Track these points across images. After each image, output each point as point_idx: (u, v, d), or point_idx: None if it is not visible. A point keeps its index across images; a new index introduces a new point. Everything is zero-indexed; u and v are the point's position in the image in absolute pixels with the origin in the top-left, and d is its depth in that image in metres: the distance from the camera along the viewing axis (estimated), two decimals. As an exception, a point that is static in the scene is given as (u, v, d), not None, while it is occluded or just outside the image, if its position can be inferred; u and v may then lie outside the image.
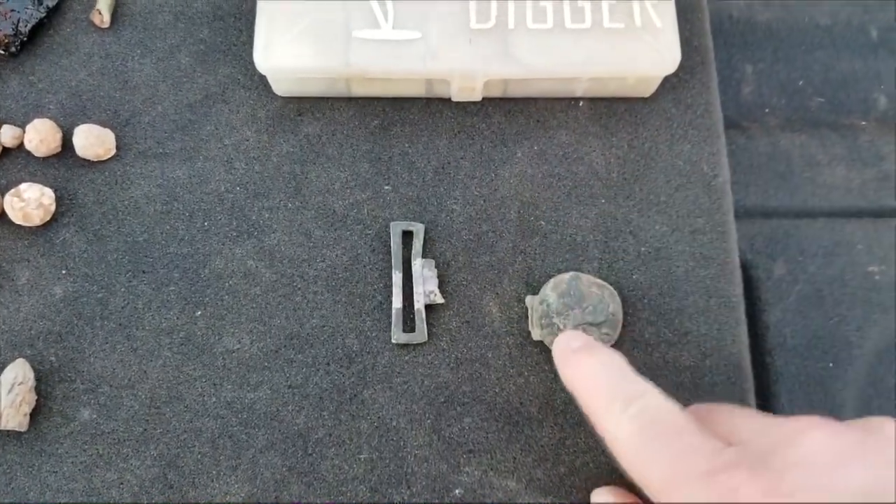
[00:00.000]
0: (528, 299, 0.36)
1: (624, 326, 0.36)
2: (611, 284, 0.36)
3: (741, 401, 0.35)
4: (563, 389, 0.35)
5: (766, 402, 0.42)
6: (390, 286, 0.37)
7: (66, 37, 0.40)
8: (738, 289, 0.37)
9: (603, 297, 0.35)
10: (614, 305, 0.35)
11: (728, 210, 0.38)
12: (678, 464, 0.25)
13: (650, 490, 0.26)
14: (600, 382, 0.29)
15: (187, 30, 0.40)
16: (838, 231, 0.43)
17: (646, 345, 0.36)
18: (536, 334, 0.35)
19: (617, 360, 0.30)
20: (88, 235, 0.37)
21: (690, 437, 0.26)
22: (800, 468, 0.23)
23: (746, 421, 0.27)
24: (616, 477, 0.34)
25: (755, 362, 0.37)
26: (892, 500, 0.22)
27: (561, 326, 0.35)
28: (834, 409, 0.41)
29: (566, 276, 0.36)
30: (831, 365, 0.42)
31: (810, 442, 0.24)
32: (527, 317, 0.36)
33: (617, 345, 0.36)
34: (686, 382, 0.36)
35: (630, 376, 0.29)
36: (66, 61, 0.40)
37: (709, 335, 0.36)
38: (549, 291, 0.35)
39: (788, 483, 0.23)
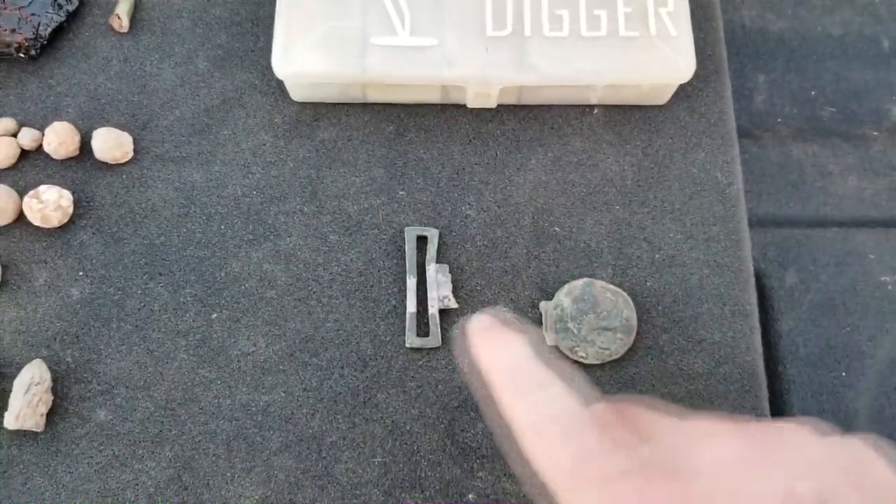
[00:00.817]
0: (543, 305, 0.36)
1: (638, 333, 0.36)
2: (625, 291, 0.36)
3: (755, 409, 0.35)
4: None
5: (779, 410, 0.42)
6: (404, 291, 0.37)
7: (85, 41, 0.41)
8: (753, 297, 0.37)
9: (617, 302, 0.35)
10: (628, 311, 0.35)
11: (742, 218, 0.38)
12: (580, 456, 0.24)
13: (548, 480, 0.25)
14: (506, 364, 0.27)
15: (205, 35, 0.41)
16: (850, 241, 0.44)
17: (660, 351, 0.36)
18: (551, 339, 0.36)
19: (528, 343, 0.28)
20: (106, 238, 0.37)
21: (587, 435, 0.25)
22: (697, 473, 0.23)
23: (655, 420, 0.26)
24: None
25: (767, 371, 0.37)
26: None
27: (575, 331, 0.35)
28: (846, 418, 0.41)
29: (580, 281, 0.36)
30: (844, 374, 0.42)
31: (710, 446, 0.24)
32: (541, 322, 0.36)
33: (631, 351, 0.36)
34: (700, 390, 0.36)
35: (538, 359, 0.27)
36: (85, 65, 0.40)
37: (723, 343, 0.36)
38: (564, 297, 0.36)
39: (701, 487, 0.23)
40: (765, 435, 0.24)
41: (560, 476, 0.24)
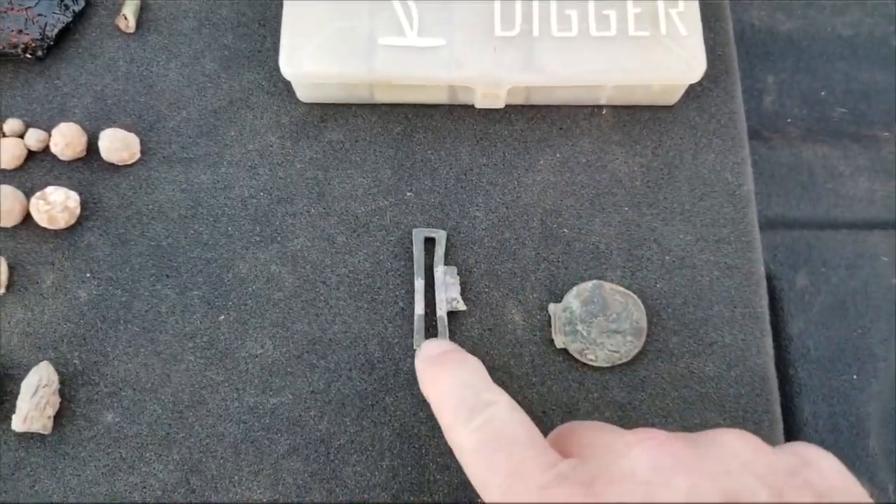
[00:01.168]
0: (552, 307, 0.36)
1: (648, 336, 0.36)
2: (634, 293, 0.36)
3: (766, 412, 0.35)
4: (587, 399, 0.35)
5: (790, 414, 0.41)
6: (412, 292, 0.36)
7: (91, 41, 0.41)
8: (764, 299, 0.37)
9: (627, 305, 0.35)
10: (638, 314, 0.35)
11: (753, 220, 0.38)
12: (514, 477, 0.25)
13: (491, 501, 0.26)
14: (450, 393, 0.28)
15: (212, 35, 0.41)
16: (861, 242, 0.43)
17: (670, 354, 0.36)
18: (560, 342, 0.35)
19: (471, 370, 0.29)
20: (113, 239, 0.37)
21: (529, 450, 0.26)
22: (622, 482, 0.23)
23: (594, 435, 0.27)
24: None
25: (778, 374, 0.37)
26: None
27: (585, 334, 0.35)
28: (858, 422, 0.41)
29: (589, 283, 0.36)
30: (855, 377, 0.41)
31: (635, 456, 0.24)
32: (549, 324, 0.36)
33: (641, 354, 0.36)
34: (710, 393, 0.35)
35: (481, 387, 0.28)
36: (92, 66, 0.40)
37: (733, 346, 0.36)
38: (573, 299, 0.35)
39: (608, 497, 0.23)
40: (685, 442, 0.24)
41: (498, 491, 0.25)
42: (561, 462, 0.25)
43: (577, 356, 0.35)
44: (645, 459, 0.24)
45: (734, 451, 0.24)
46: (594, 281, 0.36)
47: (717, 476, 0.23)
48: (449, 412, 0.28)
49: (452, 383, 0.29)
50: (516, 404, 0.28)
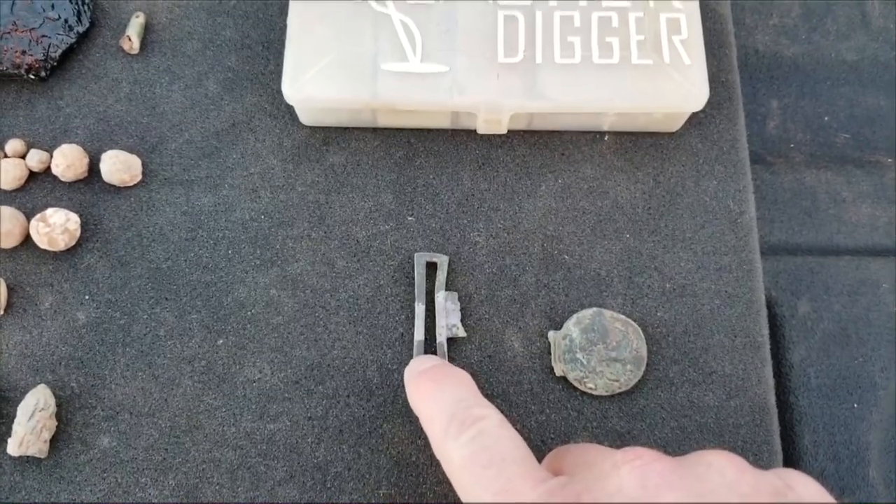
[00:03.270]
0: (551, 335, 0.36)
1: (648, 365, 0.35)
2: (635, 321, 0.36)
3: (766, 442, 0.35)
4: (586, 428, 0.35)
5: (790, 442, 0.41)
6: (412, 318, 0.36)
7: (95, 62, 0.41)
8: (764, 329, 0.36)
9: (627, 333, 0.35)
10: (638, 342, 0.35)
11: (754, 248, 0.38)
12: (502, 493, 0.25)
13: None
14: (440, 406, 0.29)
15: (215, 57, 0.41)
16: (864, 269, 0.43)
17: (670, 384, 0.35)
18: (559, 370, 0.35)
19: (462, 384, 0.29)
20: (112, 261, 0.37)
21: (518, 466, 0.26)
22: (609, 500, 0.24)
23: (584, 454, 0.28)
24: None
25: (778, 402, 0.37)
26: None
27: (584, 362, 0.35)
28: (858, 451, 0.41)
29: (589, 311, 0.36)
30: (856, 405, 0.41)
31: (623, 475, 0.24)
32: (549, 352, 0.36)
33: (641, 383, 0.35)
34: (710, 423, 0.35)
35: (470, 402, 0.28)
36: (95, 86, 0.40)
37: (734, 375, 0.36)
38: (573, 326, 0.35)
39: None
40: (673, 463, 0.24)
41: None
42: (550, 479, 0.25)
43: (576, 384, 0.35)
44: (633, 478, 0.24)
45: (720, 471, 0.24)
46: (594, 308, 0.36)
47: (704, 495, 0.23)
48: (438, 426, 0.28)
49: (442, 397, 0.29)
50: (506, 420, 0.28)
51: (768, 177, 0.45)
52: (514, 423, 0.35)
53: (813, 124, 0.46)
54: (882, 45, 0.47)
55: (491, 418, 0.28)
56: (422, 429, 0.34)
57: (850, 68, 0.47)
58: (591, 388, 0.35)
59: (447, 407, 0.28)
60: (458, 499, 0.34)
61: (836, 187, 0.45)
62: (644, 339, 0.35)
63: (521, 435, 0.35)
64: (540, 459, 0.34)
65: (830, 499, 0.25)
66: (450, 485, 0.34)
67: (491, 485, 0.26)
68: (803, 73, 0.47)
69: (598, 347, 0.35)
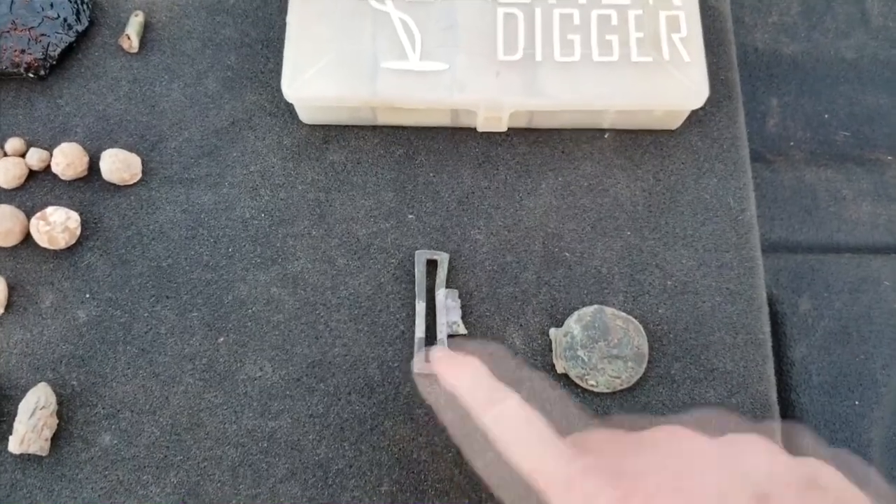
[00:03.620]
0: (552, 332, 0.36)
1: (649, 361, 0.35)
2: (636, 318, 0.36)
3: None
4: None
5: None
6: (413, 315, 0.36)
7: (94, 61, 0.41)
8: (766, 326, 0.36)
9: (628, 330, 0.35)
10: (640, 339, 0.35)
11: (755, 245, 0.38)
12: (539, 469, 0.25)
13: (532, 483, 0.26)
14: (475, 381, 0.29)
15: (215, 56, 0.41)
16: (864, 267, 0.43)
17: (672, 381, 0.35)
18: (560, 367, 0.35)
19: (480, 369, 0.30)
20: (113, 259, 0.37)
21: (546, 445, 0.26)
22: (653, 474, 0.24)
23: (603, 434, 0.28)
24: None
25: (780, 399, 0.37)
26: None
27: (585, 359, 0.35)
28: (859, 448, 0.41)
29: (590, 308, 0.36)
30: (857, 403, 0.41)
31: (665, 451, 0.25)
32: (550, 349, 0.36)
33: (642, 380, 0.35)
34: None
35: (491, 384, 0.29)
36: (95, 85, 0.40)
37: (735, 372, 0.36)
38: (574, 324, 0.35)
39: (643, 487, 0.23)
40: (712, 442, 0.25)
41: (528, 477, 0.26)
42: (582, 457, 0.25)
43: (577, 381, 0.35)
44: (676, 454, 0.24)
45: (758, 453, 0.24)
46: (595, 306, 0.36)
47: (746, 476, 0.23)
48: (476, 399, 0.28)
49: (475, 374, 0.29)
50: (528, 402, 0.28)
51: (768, 175, 0.45)
52: (515, 420, 0.35)
53: (813, 122, 0.46)
54: (882, 43, 0.47)
55: (513, 398, 0.28)
56: (423, 426, 0.35)
57: (850, 66, 0.47)
58: (592, 385, 0.35)
59: (473, 384, 0.29)
60: (459, 497, 0.34)
61: (837, 185, 0.45)
62: (645, 336, 0.35)
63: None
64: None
65: (857, 490, 0.25)
66: (451, 482, 0.34)
67: (527, 462, 0.26)
68: (803, 71, 0.47)
69: (599, 345, 0.35)
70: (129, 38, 0.40)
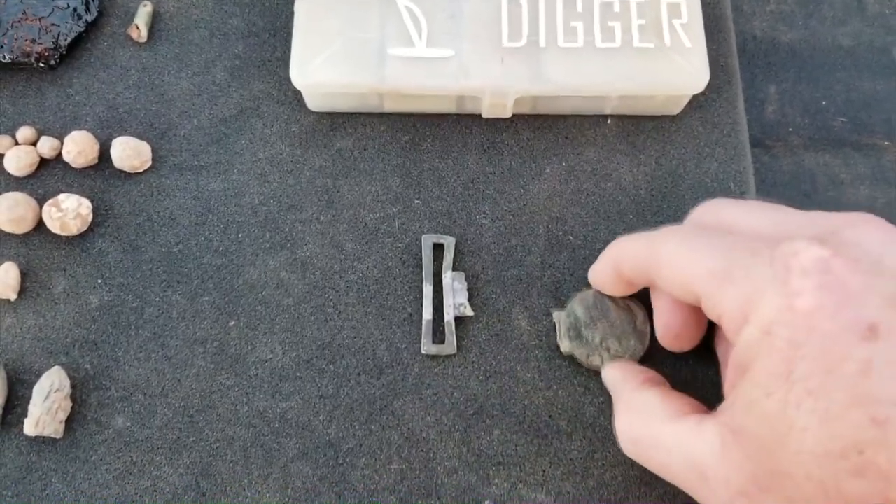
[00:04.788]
0: (555, 314, 0.36)
1: (653, 340, 0.36)
2: (640, 299, 0.37)
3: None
4: (593, 403, 0.35)
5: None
6: (420, 298, 0.37)
7: (104, 51, 0.41)
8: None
9: (629, 308, 0.36)
10: (642, 317, 0.36)
11: (755, 227, 0.38)
12: (730, 251, 0.26)
13: (700, 283, 0.27)
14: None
15: (222, 45, 0.41)
16: (862, 250, 0.44)
17: (675, 359, 0.36)
18: (566, 346, 0.36)
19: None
20: (124, 245, 0.38)
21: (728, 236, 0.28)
22: (854, 245, 0.24)
23: (782, 214, 0.29)
24: (645, 491, 0.34)
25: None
26: None
27: (589, 339, 0.35)
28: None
29: (592, 290, 0.36)
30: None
31: (862, 231, 0.25)
32: (555, 330, 0.36)
33: (646, 358, 0.36)
34: (714, 399, 0.36)
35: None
36: (104, 74, 0.41)
37: (737, 351, 0.36)
38: (576, 305, 0.36)
39: (845, 253, 0.24)
40: None
41: (712, 266, 0.27)
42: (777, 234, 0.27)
43: (582, 361, 0.36)
44: (872, 234, 0.25)
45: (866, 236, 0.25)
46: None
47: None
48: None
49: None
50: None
51: (767, 160, 0.46)
52: (521, 399, 0.35)
53: (811, 108, 0.47)
54: (877, 30, 0.48)
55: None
56: (432, 405, 0.35)
57: (847, 53, 0.48)
58: (597, 365, 0.35)
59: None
60: (471, 479, 0.35)
61: (835, 170, 0.45)
62: (646, 314, 0.36)
63: (529, 411, 0.36)
64: (551, 444, 0.35)
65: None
66: (460, 459, 0.34)
67: (713, 252, 0.27)
68: (801, 58, 0.48)
69: (601, 324, 0.35)
70: (137, 28, 0.41)
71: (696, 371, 0.36)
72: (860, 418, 0.22)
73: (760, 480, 0.25)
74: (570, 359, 0.36)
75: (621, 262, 0.32)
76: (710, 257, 0.27)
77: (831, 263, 0.24)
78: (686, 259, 0.28)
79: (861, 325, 0.23)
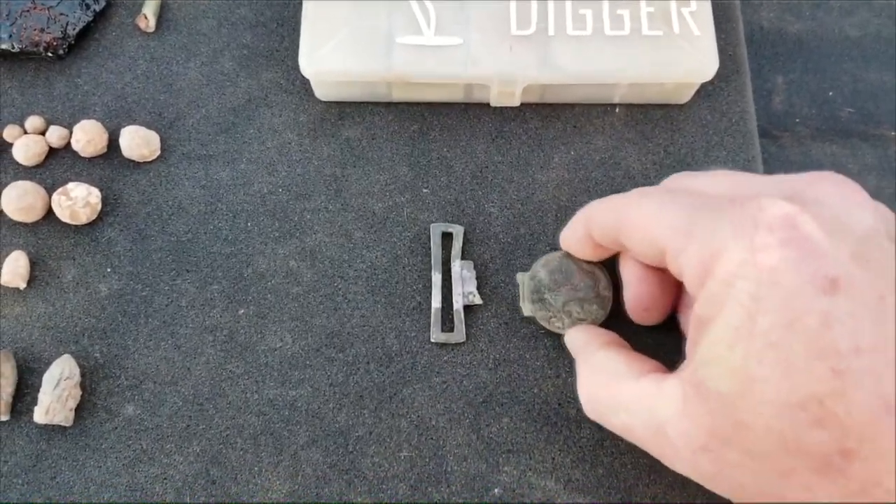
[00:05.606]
0: (519, 276, 0.36)
1: (615, 306, 0.35)
2: (605, 268, 0.36)
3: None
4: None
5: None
6: (429, 287, 0.37)
7: (112, 40, 0.41)
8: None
9: (594, 273, 0.36)
10: (605, 283, 0.36)
11: (764, 216, 0.38)
12: (696, 208, 0.27)
13: (665, 239, 0.28)
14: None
15: (231, 35, 0.41)
16: (870, 239, 0.44)
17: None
18: (528, 309, 0.36)
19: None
20: (133, 234, 0.38)
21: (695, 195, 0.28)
22: (817, 203, 0.25)
23: (746, 178, 0.30)
24: (654, 478, 0.34)
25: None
26: (884, 241, 0.25)
27: (552, 302, 0.35)
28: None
29: (557, 253, 0.36)
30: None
31: (822, 188, 0.26)
32: (518, 292, 0.36)
33: (607, 323, 0.35)
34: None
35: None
36: (112, 64, 0.41)
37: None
38: (540, 268, 0.36)
39: (809, 210, 0.24)
40: (863, 191, 0.27)
41: (675, 224, 0.28)
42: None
43: (543, 324, 0.35)
44: (833, 192, 0.26)
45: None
46: (562, 251, 0.36)
47: (887, 221, 0.25)
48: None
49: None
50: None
51: (775, 150, 0.46)
52: (530, 387, 0.36)
53: (818, 99, 0.47)
54: (885, 20, 0.48)
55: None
56: (441, 393, 0.35)
57: (854, 44, 0.48)
58: (558, 328, 0.35)
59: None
60: (481, 467, 0.34)
61: (842, 160, 0.45)
62: (610, 280, 0.36)
63: (538, 399, 0.36)
64: (560, 432, 0.35)
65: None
66: (469, 447, 0.34)
67: (676, 212, 0.28)
68: (808, 49, 0.48)
69: (564, 288, 0.35)
70: (146, 17, 0.41)
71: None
72: (820, 370, 0.23)
73: (721, 434, 0.25)
74: (532, 321, 0.36)
75: (591, 223, 0.33)
76: (675, 214, 0.28)
77: (797, 220, 0.24)
78: (653, 216, 0.29)
79: (822, 280, 0.23)
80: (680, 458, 0.27)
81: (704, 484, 0.28)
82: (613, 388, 0.30)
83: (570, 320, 0.35)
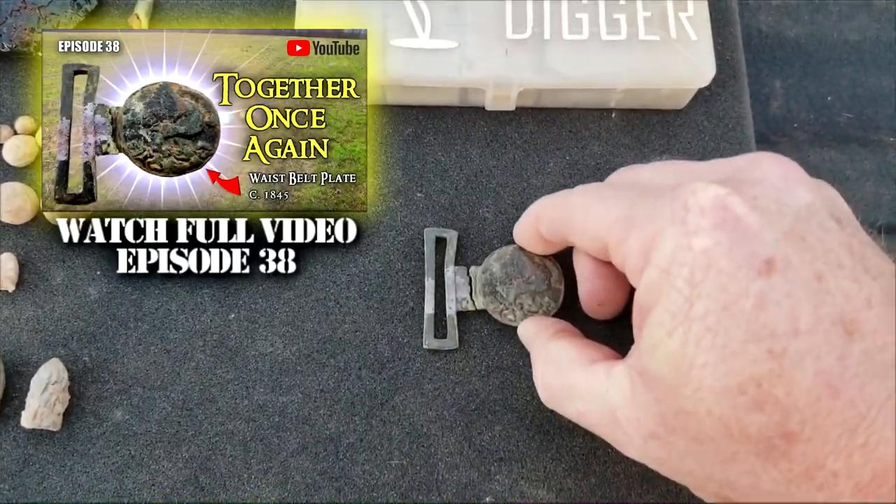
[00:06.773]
0: (472, 269, 0.36)
1: (566, 298, 0.35)
2: (557, 260, 0.36)
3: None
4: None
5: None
6: (422, 292, 0.37)
7: (104, 41, 0.41)
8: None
9: (545, 266, 0.35)
10: (557, 275, 0.35)
11: (760, 223, 0.38)
12: (636, 199, 0.27)
13: (607, 232, 0.28)
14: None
15: (224, 36, 0.41)
16: (867, 246, 0.43)
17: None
18: (480, 303, 0.36)
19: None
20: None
21: (637, 187, 0.28)
22: (755, 183, 0.25)
23: (689, 165, 0.30)
24: (646, 488, 0.34)
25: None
26: (825, 219, 0.25)
27: (504, 295, 0.35)
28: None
29: (510, 247, 0.36)
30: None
31: (766, 167, 0.27)
32: (470, 285, 0.36)
33: (565, 312, 0.35)
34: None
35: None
36: (104, 65, 0.40)
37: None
38: (493, 262, 0.36)
39: (745, 191, 0.24)
40: (801, 168, 0.28)
41: (617, 216, 0.28)
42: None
43: (496, 317, 0.35)
44: (774, 170, 0.26)
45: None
46: (515, 245, 0.36)
47: (829, 200, 0.26)
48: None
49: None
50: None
51: (772, 156, 0.45)
52: (523, 395, 0.35)
53: (816, 104, 0.47)
54: (884, 25, 0.48)
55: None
56: (433, 400, 0.35)
57: (853, 49, 0.48)
58: (511, 320, 0.35)
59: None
60: (472, 475, 0.34)
61: (840, 166, 0.45)
62: (562, 274, 0.35)
63: (531, 407, 0.35)
64: (553, 440, 0.34)
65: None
66: (461, 455, 0.34)
67: (619, 205, 0.28)
68: (806, 53, 0.47)
69: (516, 281, 0.35)
70: (138, 17, 0.40)
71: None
72: (757, 352, 0.23)
73: (667, 421, 0.25)
74: (484, 314, 0.36)
75: (540, 219, 0.33)
76: (617, 206, 0.28)
77: (728, 201, 0.24)
78: (595, 210, 0.29)
79: (757, 261, 0.23)
80: (632, 444, 0.27)
81: (658, 470, 0.28)
82: (566, 377, 0.30)
83: (521, 313, 0.35)
